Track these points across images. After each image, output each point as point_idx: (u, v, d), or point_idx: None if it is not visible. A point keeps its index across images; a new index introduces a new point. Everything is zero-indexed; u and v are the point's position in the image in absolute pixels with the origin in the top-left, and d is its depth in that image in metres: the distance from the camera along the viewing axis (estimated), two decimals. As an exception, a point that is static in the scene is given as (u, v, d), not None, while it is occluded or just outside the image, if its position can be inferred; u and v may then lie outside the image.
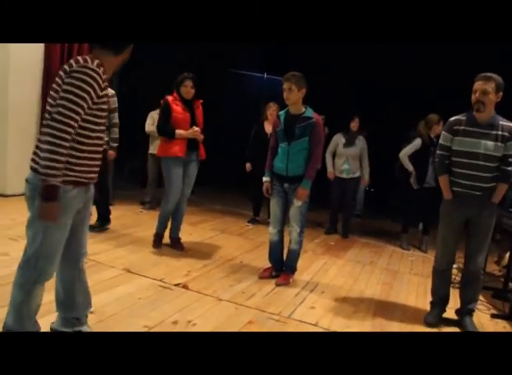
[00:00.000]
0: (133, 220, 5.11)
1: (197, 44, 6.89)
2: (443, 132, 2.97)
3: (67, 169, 1.81)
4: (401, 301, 3.50)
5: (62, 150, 1.72)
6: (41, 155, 1.73)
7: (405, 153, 5.11)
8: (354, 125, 5.43)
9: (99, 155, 1.98)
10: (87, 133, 1.85)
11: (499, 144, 2.75)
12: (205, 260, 3.94)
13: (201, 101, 4.05)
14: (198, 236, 4.72)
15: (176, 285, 3.23)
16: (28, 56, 5.49)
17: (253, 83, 9.88)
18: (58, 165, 1.72)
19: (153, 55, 6.76)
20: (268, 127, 5.26)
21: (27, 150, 5.49)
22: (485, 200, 2.83)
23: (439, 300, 3.09)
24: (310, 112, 3.38)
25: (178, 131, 3.82)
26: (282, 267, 3.69)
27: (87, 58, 1.81)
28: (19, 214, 4.72)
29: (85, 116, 1.80)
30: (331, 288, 3.60)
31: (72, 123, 1.75)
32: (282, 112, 3.50)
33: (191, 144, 3.91)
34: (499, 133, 2.76)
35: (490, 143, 2.76)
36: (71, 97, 1.74)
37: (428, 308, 3.18)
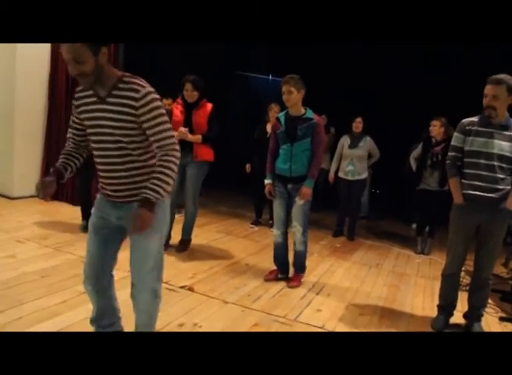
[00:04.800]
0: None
1: (203, 46, 6.91)
2: (455, 133, 2.93)
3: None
4: (408, 303, 3.48)
5: None
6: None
7: (412, 155, 5.23)
8: (356, 126, 5.41)
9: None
10: None
11: None
12: (211, 262, 3.93)
13: (205, 101, 3.98)
14: (204, 238, 4.72)
15: (181, 287, 3.23)
16: (35, 57, 5.51)
17: (258, 85, 9.89)
18: None
19: (160, 58, 6.78)
20: (270, 128, 5.27)
21: (33, 153, 5.63)
22: (497, 204, 2.76)
23: (447, 304, 3.06)
24: (310, 113, 3.41)
25: None
26: (287, 269, 3.69)
27: None
28: (26, 216, 4.76)
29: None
30: (337, 290, 3.59)
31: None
32: (281, 114, 3.51)
33: (182, 146, 3.87)
34: None
35: (505, 144, 2.72)
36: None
37: (435, 311, 3.15)
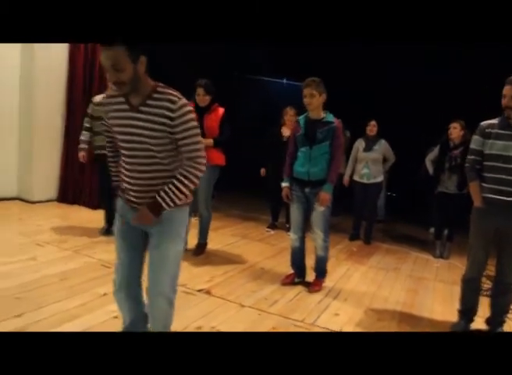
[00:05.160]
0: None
1: (216, 50, 6.95)
2: (474, 136, 2.89)
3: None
4: (427, 308, 3.43)
5: None
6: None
7: (428, 157, 5.19)
8: (370, 129, 5.38)
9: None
10: None
11: None
12: (227, 266, 3.94)
13: (217, 105, 3.99)
14: (219, 241, 4.73)
15: (198, 291, 3.24)
16: (53, 58, 5.57)
17: (272, 89, 9.90)
18: None
19: (171, 61, 6.82)
20: (285, 132, 5.30)
21: (52, 158, 5.71)
22: None
23: (467, 309, 3.01)
24: (331, 117, 3.40)
25: None
26: (304, 273, 3.68)
27: None
28: (45, 220, 4.84)
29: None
30: (354, 295, 3.56)
31: None
32: (301, 117, 3.50)
33: None
34: None
35: None
36: None
37: (455, 316, 3.10)
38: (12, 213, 5.16)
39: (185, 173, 1.86)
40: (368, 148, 5.37)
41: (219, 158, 4.07)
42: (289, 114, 5.31)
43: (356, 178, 5.48)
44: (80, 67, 5.68)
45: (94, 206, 5.27)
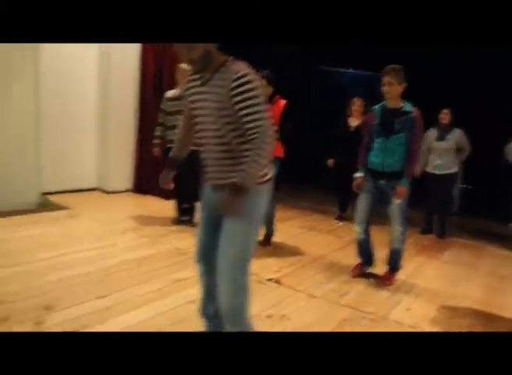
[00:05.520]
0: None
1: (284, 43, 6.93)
2: None
3: None
4: (508, 307, 3.22)
5: None
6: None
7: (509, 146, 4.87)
8: (443, 117, 5.11)
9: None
10: None
11: None
12: (295, 257, 3.96)
13: (279, 97, 3.95)
14: (287, 233, 4.75)
15: (268, 280, 3.29)
16: (127, 58, 5.89)
17: (340, 79, 9.71)
18: None
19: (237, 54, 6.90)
20: (352, 122, 5.23)
21: (126, 151, 6.05)
22: None
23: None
24: (409, 107, 3.27)
25: None
26: (371, 261, 3.61)
27: None
28: (122, 209, 5.14)
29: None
30: (427, 291, 3.43)
31: None
32: (377, 107, 3.40)
33: None
34: None
35: None
36: None
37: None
38: (92, 203, 5.53)
39: (253, 147, 1.76)
40: (441, 138, 5.12)
41: (278, 151, 4.05)
42: (357, 104, 5.28)
43: (429, 169, 5.24)
44: (151, 65, 5.95)
45: (166, 196, 5.49)
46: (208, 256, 2.04)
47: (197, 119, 1.92)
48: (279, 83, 3.99)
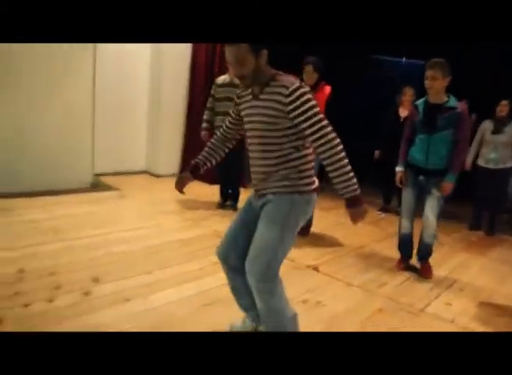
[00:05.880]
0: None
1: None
2: None
3: None
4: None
5: None
6: None
7: None
8: (501, 109, 4.86)
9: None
10: None
11: None
12: (334, 246, 3.96)
13: (324, 83, 3.88)
14: (329, 221, 4.75)
15: (307, 267, 3.32)
16: (178, 48, 6.05)
17: (392, 68, 9.44)
18: None
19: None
20: (402, 112, 5.09)
21: (175, 137, 6.29)
22: None
23: None
24: (454, 102, 3.13)
25: None
26: (411, 255, 3.54)
27: None
28: (169, 192, 5.29)
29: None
30: (470, 287, 3.34)
31: None
32: (420, 102, 3.28)
33: None
34: None
35: None
36: None
37: None
38: (141, 185, 5.77)
39: (330, 156, 1.79)
40: (498, 130, 4.88)
41: None
42: (408, 94, 5.15)
43: (481, 163, 5.03)
44: (203, 55, 6.09)
45: (210, 181, 5.62)
46: (228, 252, 2.07)
47: (248, 132, 1.99)
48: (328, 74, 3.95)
